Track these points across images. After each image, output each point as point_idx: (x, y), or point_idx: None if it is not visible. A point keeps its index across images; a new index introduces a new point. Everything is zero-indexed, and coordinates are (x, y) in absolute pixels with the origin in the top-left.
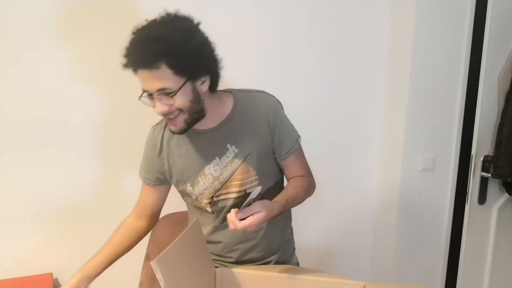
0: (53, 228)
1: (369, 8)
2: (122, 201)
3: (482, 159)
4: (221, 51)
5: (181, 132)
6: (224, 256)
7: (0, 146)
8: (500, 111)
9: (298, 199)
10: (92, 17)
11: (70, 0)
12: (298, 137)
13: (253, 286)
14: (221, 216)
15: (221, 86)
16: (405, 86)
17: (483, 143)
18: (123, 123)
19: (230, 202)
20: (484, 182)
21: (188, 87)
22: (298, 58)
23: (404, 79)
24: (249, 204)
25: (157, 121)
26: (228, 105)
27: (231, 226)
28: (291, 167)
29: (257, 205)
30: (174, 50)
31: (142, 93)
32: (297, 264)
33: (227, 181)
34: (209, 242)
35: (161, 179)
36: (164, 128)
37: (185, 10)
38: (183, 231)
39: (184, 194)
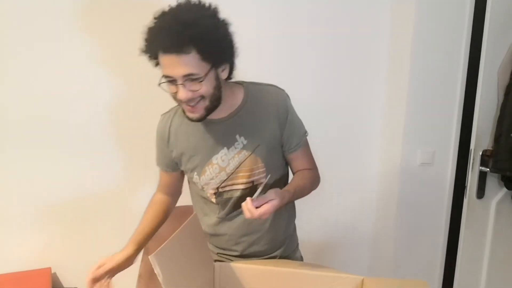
0: (52, 225)
1: (369, 8)
2: (121, 199)
3: (481, 153)
4: None
5: (200, 119)
6: (229, 249)
7: (1, 145)
8: (500, 104)
9: (305, 191)
10: (97, 13)
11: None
12: (306, 131)
13: (251, 281)
14: (227, 207)
15: None
16: (404, 80)
17: (482, 137)
18: (122, 124)
19: (237, 194)
20: (482, 176)
21: (212, 74)
22: (298, 58)
23: (404, 73)
24: (263, 192)
25: (155, 121)
26: (239, 96)
27: (248, 214)
28: (298, 160)
29: (271, 193)
30: (204, 36)
31: (162, 79)
32: (301, 258)
33: (233, 172)
34: (213, 234)
35: (172, 166)
36: (173, 117)
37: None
38: (182, 226)
39: (191, 183)
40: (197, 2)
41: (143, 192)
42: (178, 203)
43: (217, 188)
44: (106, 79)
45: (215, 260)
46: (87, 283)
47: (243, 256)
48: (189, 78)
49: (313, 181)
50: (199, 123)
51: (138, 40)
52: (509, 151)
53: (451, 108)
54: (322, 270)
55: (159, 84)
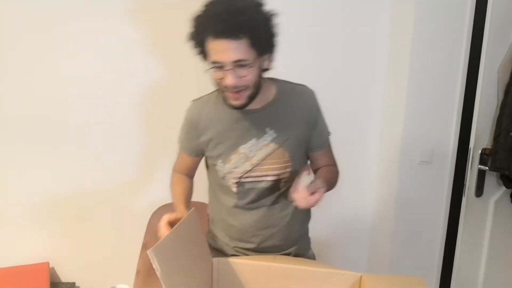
0: (50, 221)
1: (368, 8)
2: (118, 196)
3: (480, 152)
4: None
5: (243, 107)
6: (247, 240)
7: (1, 144)
8: (499, 103)
9: (333, 185)
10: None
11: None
12: (330, 131)
13: (249, 276)
14: (247, 198)
15: None
16: (404, 79)
17: (482, 136)
18: (122, 123)
19: (260, 185)
20: (481, 175)
21: (258, 62)
22: (298, 58)
23: (403, 71)
24: (311, 182)
25: (155, 121)
26: (272, 91)
27: (303, 203)
28: (324, 157)
29: (319, 182)
30: (255, 23)
31: (210, 64)
32: (314, 257)
33: (258, 163)
34: (231, 225)
35: (197, 151)
36: (206, 103)
37: (185, 10)
38: (180, 221)
39: (212, 171)
40: None
41: (141, 190)
42: None
43: (240, 177)
44: (106, 79)
45: (231, 255)
46: (162, 226)
47: (259, 249)
48: (238, 64)
49: (337, 176)
50: (232, 112)
51: (143, 39)
52: (508, 150)
53: (451, 106)
54: (320, 266)
55: (207, 70)
